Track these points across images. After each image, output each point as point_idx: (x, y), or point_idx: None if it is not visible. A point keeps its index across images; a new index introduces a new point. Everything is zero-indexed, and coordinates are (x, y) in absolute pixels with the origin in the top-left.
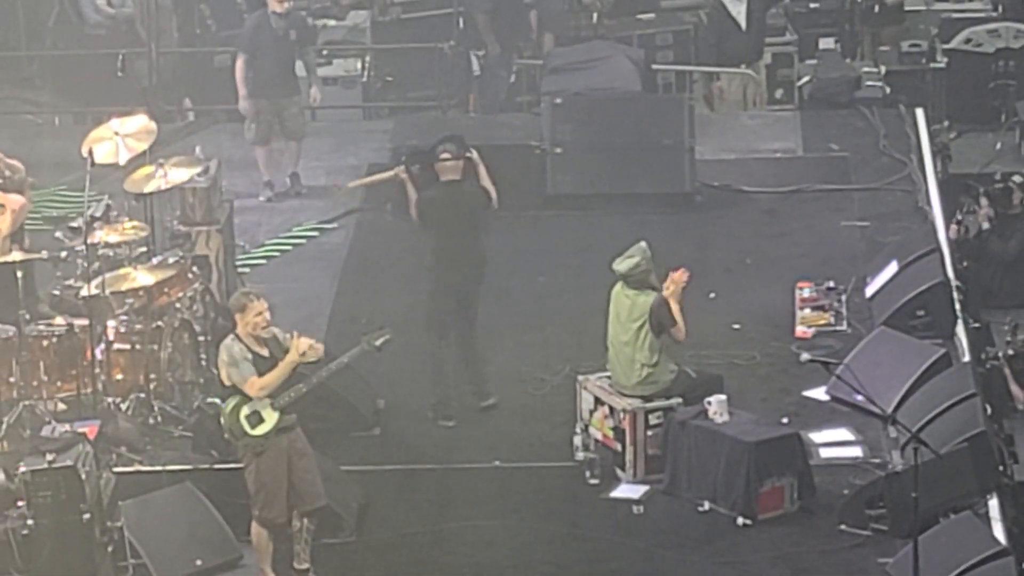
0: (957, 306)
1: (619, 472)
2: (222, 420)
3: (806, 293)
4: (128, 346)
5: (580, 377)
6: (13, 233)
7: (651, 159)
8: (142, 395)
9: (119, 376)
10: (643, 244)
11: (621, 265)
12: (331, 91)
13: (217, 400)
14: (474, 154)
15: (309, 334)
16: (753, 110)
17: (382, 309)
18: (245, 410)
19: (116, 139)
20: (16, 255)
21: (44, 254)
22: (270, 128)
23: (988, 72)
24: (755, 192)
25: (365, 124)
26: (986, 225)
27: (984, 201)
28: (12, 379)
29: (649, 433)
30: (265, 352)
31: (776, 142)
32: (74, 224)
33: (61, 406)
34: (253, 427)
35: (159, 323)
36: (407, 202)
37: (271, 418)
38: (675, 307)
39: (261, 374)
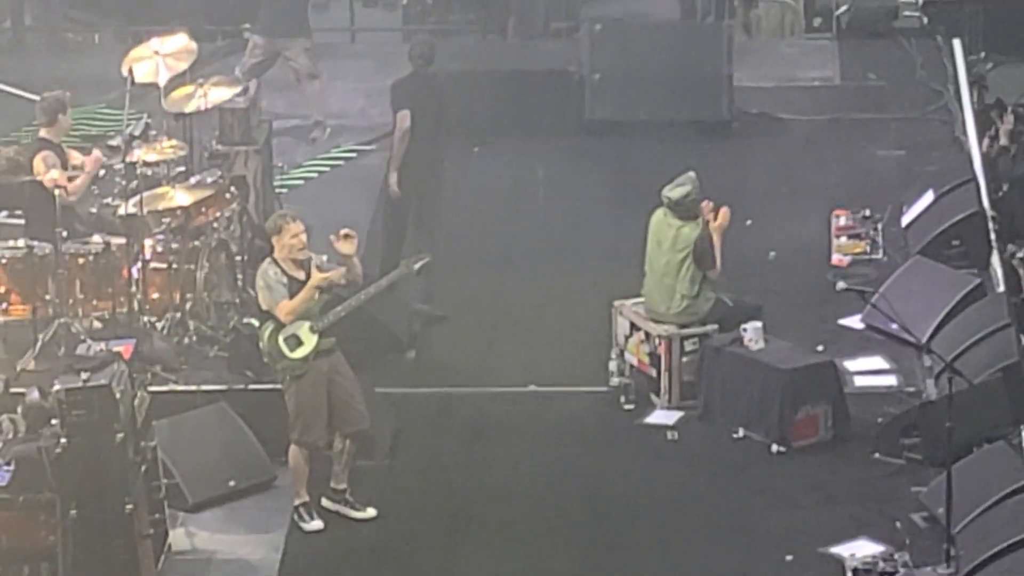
0: (992, 236)
1: (654, 398)
2: (260, 344)
3: (842, 221)
4: (165, 265)
5: (616, 302)
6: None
7: (689, 86)
8: (178, 315)
9: (155, 295)
10: (692, 174)
11: (673, 192)
12: (371, 13)
13: (254, 321)
14: None
15: None
16: (791, 38)
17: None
18: (283, 333)
19: (156, 58)
20: (54, 173)
21: None
22: (259, 66)
23: None
24: (792, 120)
25: (404, 47)
26: (1005, 141)
27: (1009, 118)
28: (48, 297)
29: (684, 359)
30: (302, 275)
31: (814, 71)
32: (113, 143)
33: (96, 324)
34: (292, 350)
35: (196, 243)
36: None
37: (310, 341)
38: (716, 242)
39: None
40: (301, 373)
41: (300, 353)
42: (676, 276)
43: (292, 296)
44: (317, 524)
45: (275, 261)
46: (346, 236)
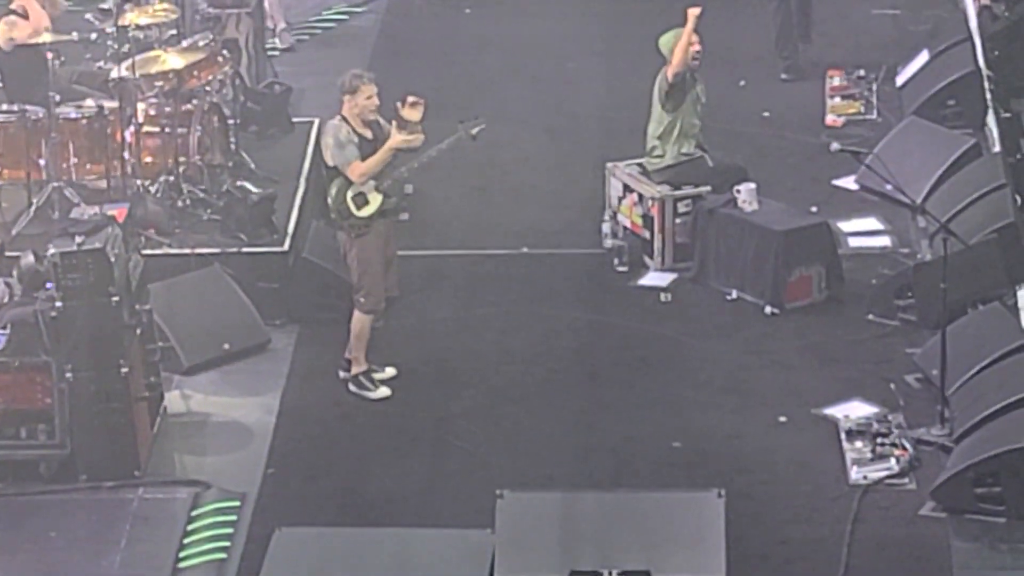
0: (988, 96)
1: (647, 260)
2: (329, 201)
3: (836, 81)
4: (158, 129)
5: (609, 164)
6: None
7: None
8: (171, 178)
9: (148, 159)
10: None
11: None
12: None
13: (247, 184)
14: None
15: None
16: None
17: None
18: (352, 191)
19: None
20: (47, 36)
21: (74, 35)
22: None
23: None
24: None
25: None
26: (986, 1)
27: None
28: (42, 161)
29: (677, 221)
30: (369, 135)
31: None
32: (105, 5)
33: (91, 188)
34: (359, 208)
35: (189, 106)
36: None
37: (375, 200)
38: (685, 34)
39: (364, 158)
40: (365, 232)
41: (367, 211)
42: (650, 117)
43: (362, 156)
44: (384, 391)
45: (345, 119)
46: (414, 104)
